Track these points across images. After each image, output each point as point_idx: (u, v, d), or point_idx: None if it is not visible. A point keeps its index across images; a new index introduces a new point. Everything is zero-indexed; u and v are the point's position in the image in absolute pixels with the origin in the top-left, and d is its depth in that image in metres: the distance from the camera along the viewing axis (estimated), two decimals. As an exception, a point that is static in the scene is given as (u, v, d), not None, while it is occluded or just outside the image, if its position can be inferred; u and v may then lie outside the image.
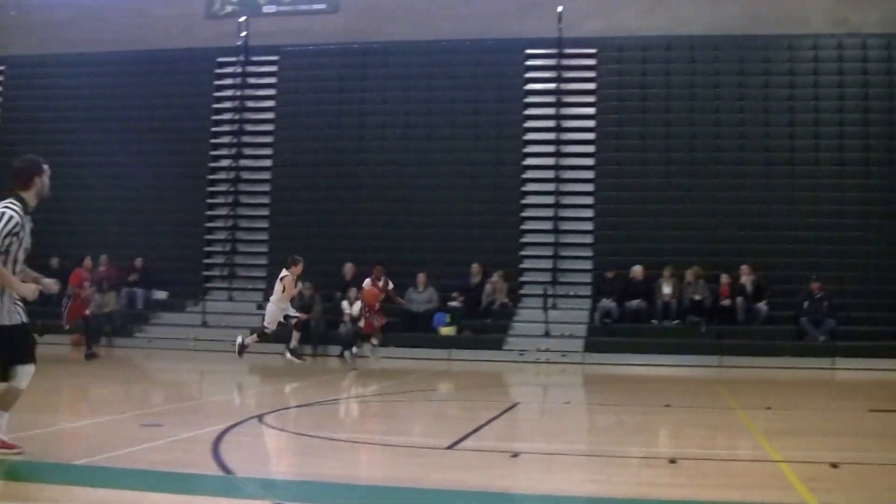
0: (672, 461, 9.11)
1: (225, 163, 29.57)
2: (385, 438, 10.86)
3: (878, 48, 27.72)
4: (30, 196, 8.43)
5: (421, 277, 25.24)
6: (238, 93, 30.22)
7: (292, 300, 20.26)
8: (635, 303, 24.86)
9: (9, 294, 8.17)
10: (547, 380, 20.64)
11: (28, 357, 8.29)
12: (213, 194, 29.73)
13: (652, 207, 27.17)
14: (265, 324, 19.55)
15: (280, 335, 20.05)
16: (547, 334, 24.81)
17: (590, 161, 28.08)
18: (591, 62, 28.80)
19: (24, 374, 8.26)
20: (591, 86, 28.66)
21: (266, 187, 29.65)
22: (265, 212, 29.36)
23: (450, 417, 14.01)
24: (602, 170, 27.92)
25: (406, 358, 22.92)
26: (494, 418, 12.58)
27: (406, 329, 24.75)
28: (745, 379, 20.16)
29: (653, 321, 24.77)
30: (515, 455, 9.45)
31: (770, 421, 13.06)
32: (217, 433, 9.97)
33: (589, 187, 27.96)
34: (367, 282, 21.50)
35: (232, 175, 29.40)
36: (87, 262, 22.76)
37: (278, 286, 19.41)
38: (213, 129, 30.10)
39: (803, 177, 27.05)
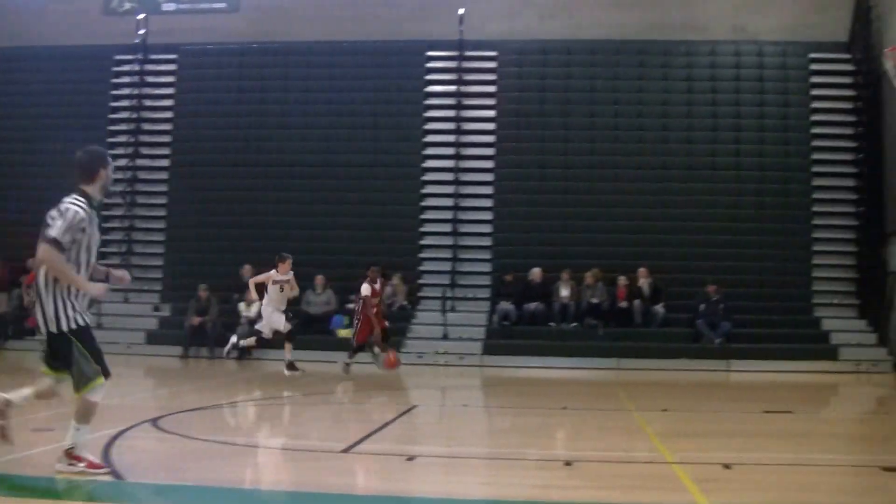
0: (568, 463, 9.14)
1: (122, 162, 28.95)
2: (281, 442, 10.77)
3: (774, 55, 28.28)
4: (94, 190, 8.16)
5: (319, 279, 25.04)
6: (136, 91, 29.73)
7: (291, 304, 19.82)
8: (533, 305, 24.94)
9: (63, 296, 7.78)
10: (445, 382, 20.63)
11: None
12: (109, 194, 29.15)
13: (550, 210, 27.34)
14: (260, 327, 19.15)
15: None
16: (445, 337, 24.80)
17: (489, 164, 28.18)
18: (492, 65, 28.89)
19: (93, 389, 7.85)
20: (492, 89, 28.76)
21: (163, 187, 29.15)
22: (162, 212, 28.86)
23: (347, 420, 13.93)
24: (501, 172, 28.02)
25: (304, 360, 22.73)
26: (391, 421, 12.54)
27: (304, 331, 24.53)
28: (642, 381, 20.37)
29: (551, 324, 24.87)
30: (411, 458, 9.39)
31: (666, 423, 13.21)
32: (109, 437, 9.76)
33: (488, 190, 28.03)
34: (364, 287, 19.24)
35: (129, 175, 28.85)
36: None
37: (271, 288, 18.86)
38: (110, 127, 29.39)
39: (700, 180, 27.44)
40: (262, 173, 28.26)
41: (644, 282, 24.93)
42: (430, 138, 28.49)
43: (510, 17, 28.66)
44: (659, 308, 24.72)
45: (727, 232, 26.70)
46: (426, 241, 27.69)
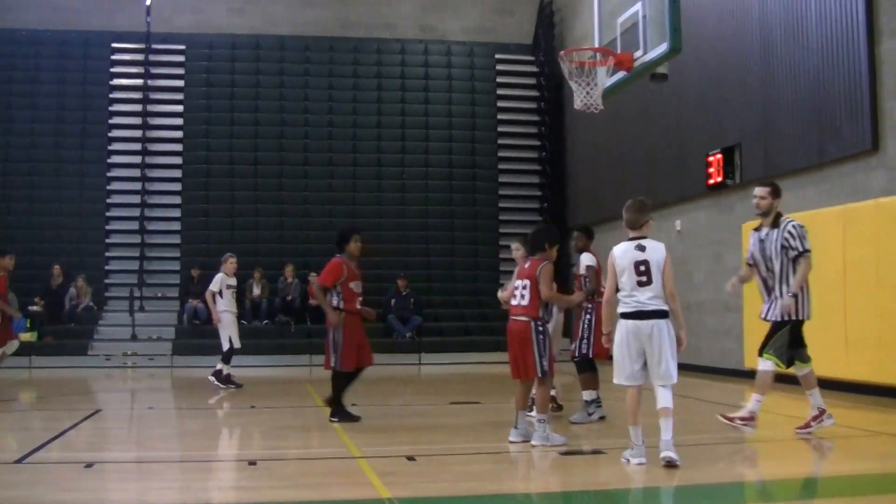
0: (252, 463, 8.99)
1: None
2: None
3: (461, 55, 29.02)
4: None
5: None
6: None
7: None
8: (225, 303, 24.54)
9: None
10: (134, 385, 20.01)
11: None
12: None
13: (241, 207, 27.11)
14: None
15: None
16: (134, 338, 24.12)
17: (177, 160, 27.67)
18: (180, 59, 28.33)
19: None
20: (180, 83, 28.23)
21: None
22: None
23: (25, 429, 13.18)
24: (190, 168, 27.56)
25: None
26: (71, 427, 11.99)
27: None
28: (334, 377, 20.35)
29: (242, 321, 24.52)
30: (89, 465, 8.97)
31: (355, 418, 13.24)
32: None
33: (176, 186, 27.53)
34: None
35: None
36: None
37: None
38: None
39: (390, 177, 27.89)
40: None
41: (334, 278, 24.96)
42: (116, 133, 27.64)
43: (198, 11, 28.29)
44: (350, 304, 24.83)
45: (417, 227, 27.22)
46: (112, 238, 26.85)
